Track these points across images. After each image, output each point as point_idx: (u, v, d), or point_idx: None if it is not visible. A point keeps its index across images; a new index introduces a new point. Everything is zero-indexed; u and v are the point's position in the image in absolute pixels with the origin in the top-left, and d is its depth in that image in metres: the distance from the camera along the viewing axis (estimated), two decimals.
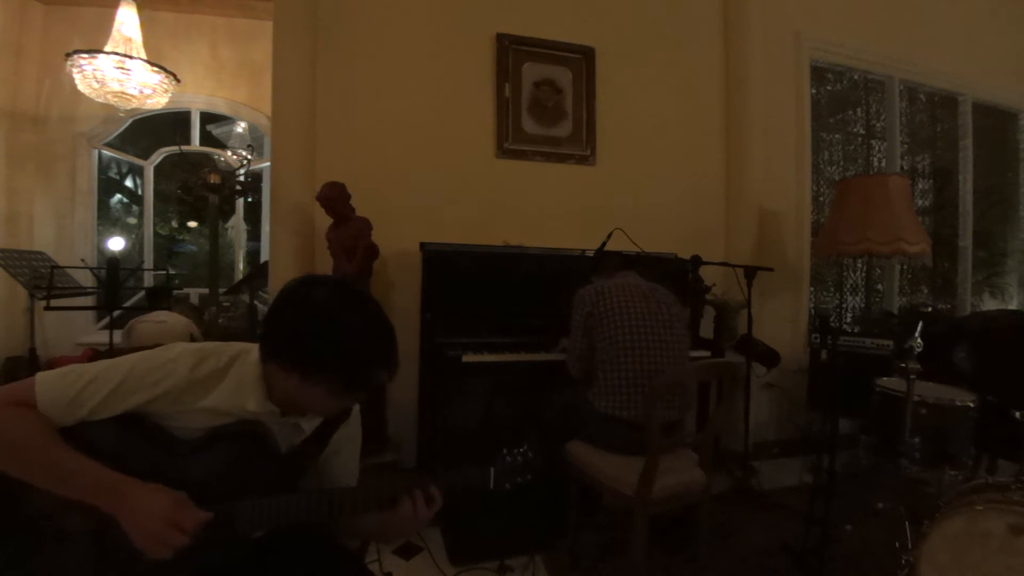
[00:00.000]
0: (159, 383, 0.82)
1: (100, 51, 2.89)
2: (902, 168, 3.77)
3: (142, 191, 4.24)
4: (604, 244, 2.12)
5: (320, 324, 0.79)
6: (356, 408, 1.02)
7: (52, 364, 3.54)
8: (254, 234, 4.48)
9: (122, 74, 2.92)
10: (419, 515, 0.88)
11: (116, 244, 4.30)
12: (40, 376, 0.80)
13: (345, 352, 0.79)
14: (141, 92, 3.05)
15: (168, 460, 0.84)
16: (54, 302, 2.63)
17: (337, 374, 0.79)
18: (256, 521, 0.85)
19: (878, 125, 3.75)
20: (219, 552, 0.84)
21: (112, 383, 0.80)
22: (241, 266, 4.42)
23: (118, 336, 2.70)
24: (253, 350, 0.88)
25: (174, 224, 4.90)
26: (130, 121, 3.95)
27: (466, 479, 0.92)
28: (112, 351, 2.49)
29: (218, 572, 0.86)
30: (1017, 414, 1.62)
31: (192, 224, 4.90)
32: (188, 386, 0.84)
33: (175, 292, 3.77)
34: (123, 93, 3.00)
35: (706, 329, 2.75)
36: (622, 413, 1.66)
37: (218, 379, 0.86)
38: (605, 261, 1.99)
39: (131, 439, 0.83)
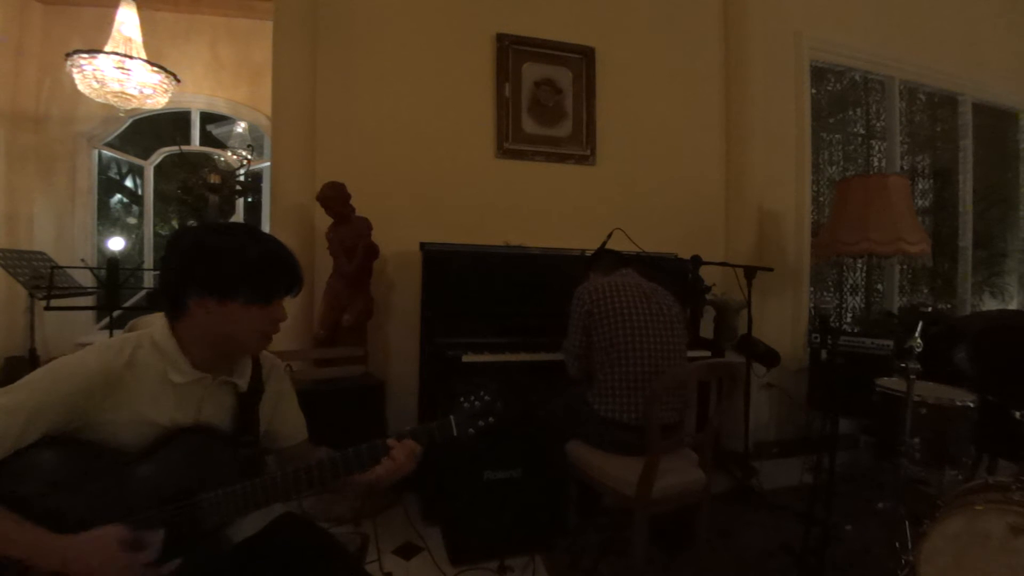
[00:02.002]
0: (75, 392, 0.80)
1: (100, 51, 2.88)
2: (902, 168, 3.77)
3: (142, 191, 4.23)
4: (604, 244, 2.12)
5: (218, 244, 0.86)
6: (280, 368, 1.07)
7: None
8: None
9: (122, 74, 2.92)
10: (398, 468, 0.93)
11: (116, 244, 4.30)
12: None
13: (248, 261, 0.85)
14: (141, 92, 3.04)
15: (116, 475, 0.82)
16: (54, 302, 2.63)
17: (246, 282, 0.85)
18: (223, 512, 0.85)
19: (878, 125, 3.75)
20: (202, 552, 0.83)
21: (24, 413, 0.77)
22: None
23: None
24: (156, 328, 0.89)
25: (174, 224, 4.89)
26: (130, 121, 3.95)
27: (429, 431, 0.96)
28: None
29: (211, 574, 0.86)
30: (1017, 414, 1.62)
31: (192, 224, 4.89)
32: (104, 385, 0.82)
33: None
34: (123, 93, 2.99)
35: (706, 329, 2.75)
36: (621, 416, 1.64)
37: (132, 366, 0.85)
38: (603, 258, 1.96)
39: (73, 463, 0.80)
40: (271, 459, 1.06)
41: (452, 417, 0.96)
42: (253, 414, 0.98)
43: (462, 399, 0.97)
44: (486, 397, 0.97)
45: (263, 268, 0.87)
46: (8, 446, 0.76)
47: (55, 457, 0.79)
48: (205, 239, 0.87)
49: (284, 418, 1.06)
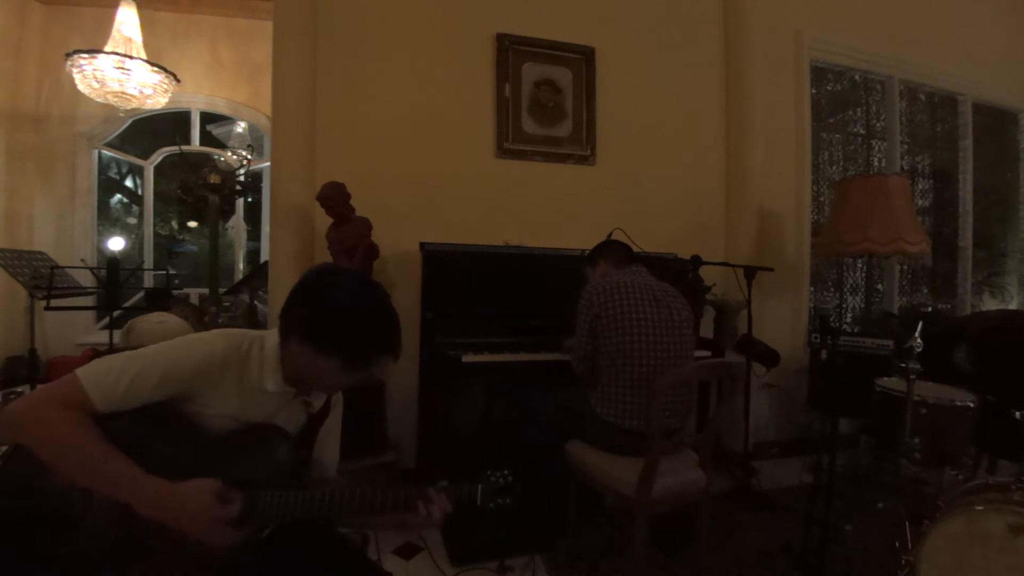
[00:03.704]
0: (196, 369, 0.87)
1: (100, 51, 2.89)
2: (902, 168, 3.77)
3: (142, 191, 4.24)
4: (633, 254, 2.07)
5: (338, 307, 0.89)
6: (340, 401, 1.10)
7: (52, 364, 3.54)
8: (254, 234, 4.49)
9: (122, 74, 2.92)
10: (429, 519, 0.94)
11: (116, 244, 4.30)
12: (83, 375, 0.81)
13: (356, 333, 0.89)
14: (141, 92, 3.05)
15: (190, 447, 0.87)
16: (54, 302, 2.63)
17: (346, 351, 0.89)
18: (275, 512, 0.89)
19: (878, 125, 3.76)
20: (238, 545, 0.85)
21: (157, 375, 0.84)
22: (241, 266, 4.42)
23: (118, 336, 2.70)
24: (270, 336, 0.96)
25: (174, 224, 4.90)
26: (130, 121, 3.96)
27: (459, 493, 0.99)
28: (112, 351, 2.49)
29: (226, 568, 0.86)
30: (1017, 414, 1.63)
31: (192, 224, 4.90)
32: (221, 369, 0.89)
33: (175, 292, 3.77)
34: (123, 93, 3.00)
35: (706, 329, 2.75)
36: (624, 422, 1.63)
37: (244, 361, 0.92)
38: (614, 248, 1.90)
39: (159, 429, 0.87)
40: None
41: (480, 487, 0.99)
42: (315, 434, 1.03)
43: (489, 473, 1.01)
44: (510, 477, 1.01)
45: (367, 349, 0.91)
46: (137, 403, 0.84)
47: (148, 418, 0.86)
48: (336, 297, 0.90)
49: (330, 449, 1.09)
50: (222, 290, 3.54)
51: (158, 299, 2.97)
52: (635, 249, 2.22)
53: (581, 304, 1.75)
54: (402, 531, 0.91)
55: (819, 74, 3.53)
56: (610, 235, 2.18)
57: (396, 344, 0.94)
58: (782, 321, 3.24)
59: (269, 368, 0.93)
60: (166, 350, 0.87)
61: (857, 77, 3.68)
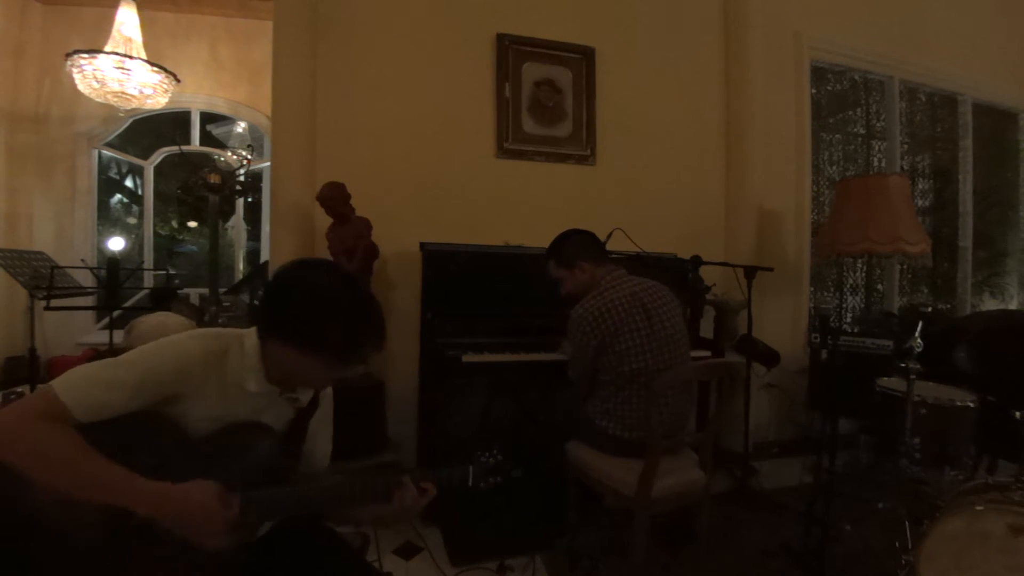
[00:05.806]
0: (174, 373, 0.85)
1: (100, 51, 2.88)
2: (902, 168, 3.77)
3: (142, 191, 4.24)
4: (604, 244, 2.09)
5: (318, 303, 0.86)
6: (329, 391, 1.08)
7: (52, 364, 3.54)
8: (254, 234, 4.49)
9: (122, 74, 2.92)
10: (412, 505, 0.95)
11: (116, 244, 4.30)
12: (59, 386, 0.79)
13: (341, 329, 0.85)
14: (141, 92, 3.04)
15: (178, 454, 0.86)
16: (54, 302, 2.63)
17: (333, 348, 0.86)
18: (266, 512, 0.89)
19: (878, 125, 3.76)
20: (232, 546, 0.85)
21: (132, 382, 0.82)
22: (241, 266, 4.42)
23: (118, 336, 2.70)
24: (248, 335, 0.93)
25: (174, 224, 4.90)
26: (130, 121, 3.95)
27: (450, 476, 1.01)
28: (112, 351, 2.49)
29: (225, 570, 0.86)
30: (1017, 414, 1.62)
31: (192, 224, 4.90)
32: (201, 372, 0.87)
33: (178, 292, 3.77)
34: (123, 93, 3.00)
35: (706, 329, 2.75)
36: (623, 434, 1.63)
37: (222, 362, 0.90)
38: (586, 247, 1.79)
39: (142, 435, 0.85)
40: None
41: (471, 468, 1.01)
42: (304, 429, 1.01)
43: (479, 453, 1.03)
44: (499, 456, 1.03)
45: (354, 343, 0.88)
46: (115, 412, 0.82)
47: (129, 427, 0.84)
48: (316, 295, 0.86)
49: (320, 441, 1.07)
50: (222, 290, 3.53)
51: (163, 299, 2.98)
52: (635, 249, 2.22)
53: (575, 329, 1.67)
54: (386, 524, 0.90)
55: (819, 74, 3.54)
56: (610, 235, 2.13)
57: (381, 336, 0.91)
58: (782, 321, 3.24)
59: (250, 369, 0.90)
60: (140, 356, 0.85)
61: (857, 77, 3.68)
